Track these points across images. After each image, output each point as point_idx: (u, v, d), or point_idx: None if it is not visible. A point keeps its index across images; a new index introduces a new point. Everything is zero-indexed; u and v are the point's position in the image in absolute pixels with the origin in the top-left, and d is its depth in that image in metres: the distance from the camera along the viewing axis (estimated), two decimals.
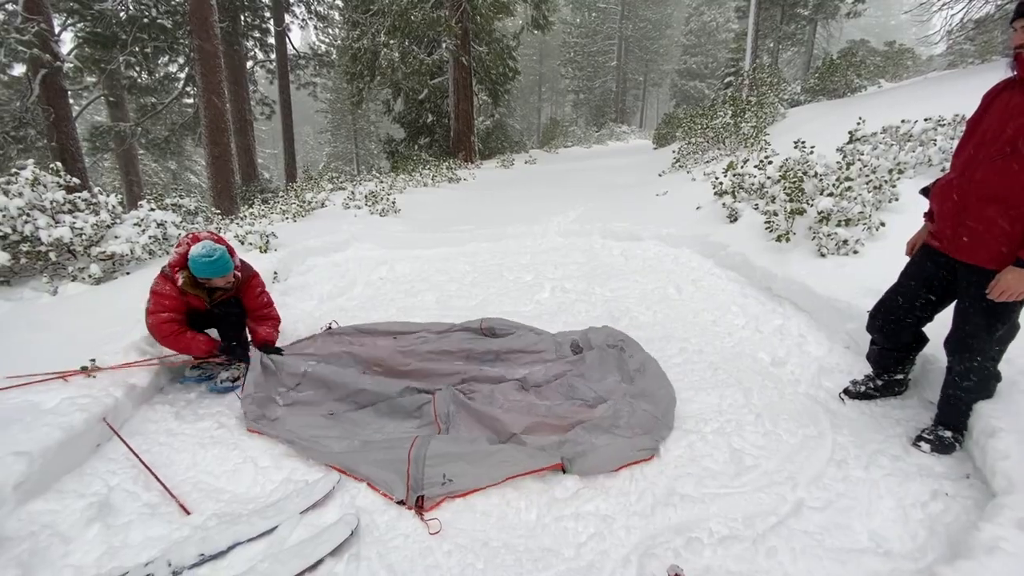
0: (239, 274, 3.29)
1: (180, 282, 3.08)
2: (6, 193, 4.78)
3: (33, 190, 4.96)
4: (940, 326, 2.35)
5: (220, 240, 3.22)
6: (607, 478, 2.27)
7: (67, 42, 15.99)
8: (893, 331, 2.49)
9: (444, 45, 15.79)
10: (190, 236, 3.18)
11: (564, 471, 2.27)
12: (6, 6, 12.20)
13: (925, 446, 2.28)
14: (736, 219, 5.65)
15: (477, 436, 2.53)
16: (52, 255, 4.85)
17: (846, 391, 2.76)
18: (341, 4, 19.21)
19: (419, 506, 2.12)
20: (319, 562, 1.87)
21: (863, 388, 2.71)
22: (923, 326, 2.46)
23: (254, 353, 3.19)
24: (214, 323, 3.39)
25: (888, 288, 2.52)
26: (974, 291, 2.06)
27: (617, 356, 3.14)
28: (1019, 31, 1.88)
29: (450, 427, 2.64)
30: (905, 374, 2.65)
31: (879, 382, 2.68)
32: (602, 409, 2.67)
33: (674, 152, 11.06)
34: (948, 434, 2.27)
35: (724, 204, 5.92)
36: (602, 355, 3.17)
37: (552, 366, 3.18)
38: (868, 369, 2.81)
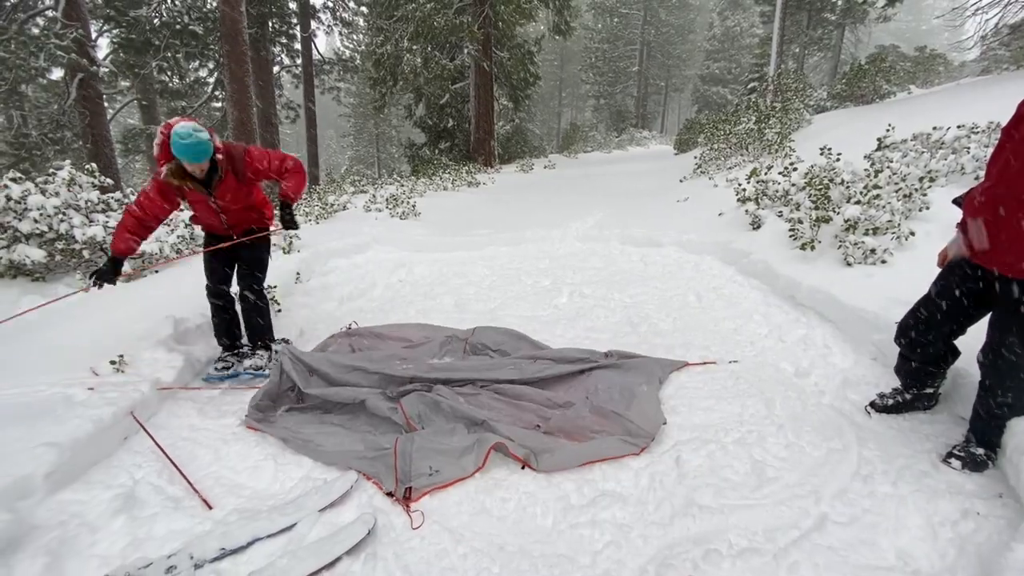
0: (221, 156, 3.09)
1: (163, 174, 2.99)
2: (43, 192, 4.96)
3: (69, 190, 5.14)
4: (973, 339, 2.28)
5: (188, 119, 3.04)
6: (625, 486, 2.24)
7: (103, 47, 16.60)
8: (923, 344, 2.41)
9: (466, 51, 15.92)
10: (165, 125, 3.01)
11: (524, 467, 2.35)
12: (46, 12, 12.68)
13: (956, 463, 2.20)
14: (759, 226, 5.56)
15: (455, 425, 2.63)
16: (85, 253, 5.02)
17: (873, 404, 2.68)
18: (366, 10, 19.54)
19: (407, 497, 2.18)
20: (336, 560, 1.88)
21: (891, 402, 2.63)
22: (955, 339, 2.39)
23: (275, 364, 3.22)
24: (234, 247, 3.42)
25: (918, 300, 2.45)
26: (1010, 302, 1.99)
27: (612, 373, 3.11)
28: None
29: (425, 424, 2.69)
30: (935, 388, 2.57)
31: (908, 396, 2.60)
32: (574, 410, 2.75)
33: (696, 158, 10.95)
34: (981, 451, 2.19)
35: (747, 211, 5.83)
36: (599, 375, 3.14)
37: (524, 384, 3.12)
38: (895, 381, 2.73)
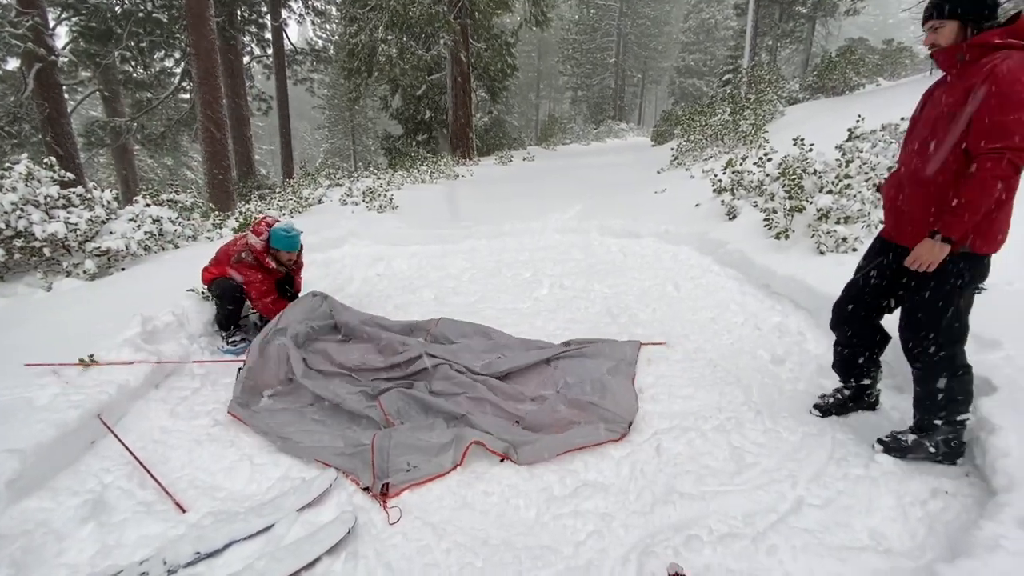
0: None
1: (273, 264, 3.76)
2: None
3: (27, 185, 4.92)
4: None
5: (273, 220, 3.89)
6: (607, 476, 2.26)
7: (62, 36, 15.86)
8: (853, 320, 2.42)
9: (442, 41, 15.69)
10: (263, 223, 3.78)
11: (504, 460, 2.36)
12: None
13: (878, 447, 2.23)
14: (735, 216, 5.64)
15: (433, 420, 2.64)
16: (46, 251, 4.82)
17: (816, 406, 2.60)
18: None
19: (384, 493, 2.17)
20: (316, 560, 1.85)
21: (831, 400, 2.58)
22: (881, 318, 2.40)
23: (255, 342, 3.25)
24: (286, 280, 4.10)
25: (848, 280, 2.49)
26: (911, 273, 2.07)
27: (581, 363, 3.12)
28: (929, 33, 2.00)
29: (404, 420, 2.69)
30: (872, 379, 2.52)
31: (847, 392, 2.58)
32: (548, 404, 2.77)
33: (673, 149, 11.04)
34: (911, 437, 2.18)
35: (723, 201, 5.91)
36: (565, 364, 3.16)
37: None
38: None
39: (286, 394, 3.03)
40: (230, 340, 3.78)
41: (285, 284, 4.07)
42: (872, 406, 2.60)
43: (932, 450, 2.16)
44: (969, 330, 2.09)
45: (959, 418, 2.12)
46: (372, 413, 2.73)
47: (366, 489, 2.21)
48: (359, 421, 2.75)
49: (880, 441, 2.27)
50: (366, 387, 3.05)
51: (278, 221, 3.82)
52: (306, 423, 2.74)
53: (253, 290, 3.70)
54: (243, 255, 3.67)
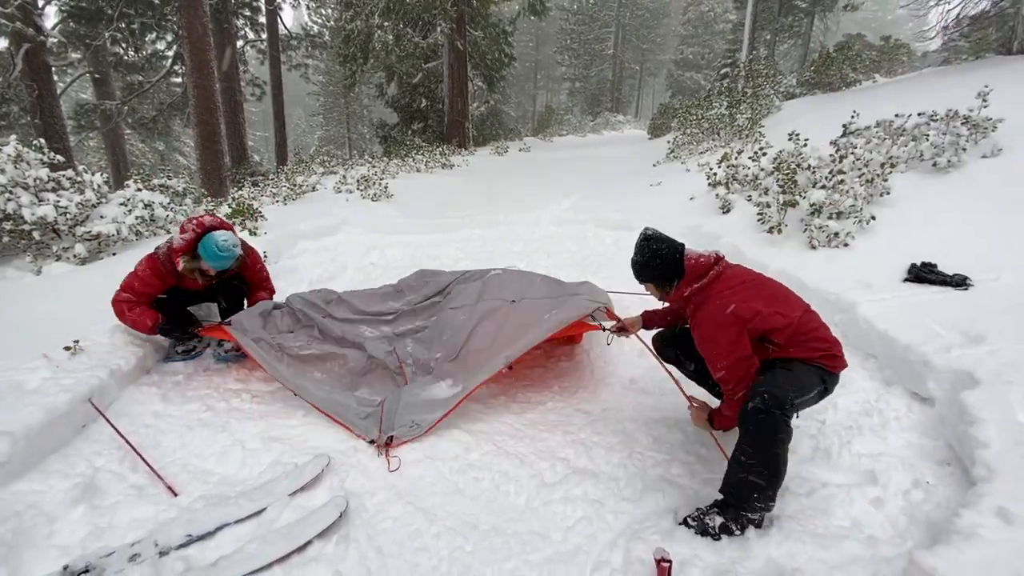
0: (241, 253, 3.29)
1: (181, 266, 3.09)
2: None
3: (16, 167, 4.84)
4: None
5: (224, 224, 3.23)
6: (598, 464, 2.28)
7: (51, 16, 15.50)
8: None
9: (439, 29, 15.52)
10: (195, 222, 3.12)
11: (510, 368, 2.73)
12: None
13: (691, 521, 1.95)
14: (729, 210, 5.66)
15: (440, 382, 2.84)
16: (36, 234, 4.76)
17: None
18: None
19: (388, 444, 2.40)
20: (307, 544, 1.87)
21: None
22: None
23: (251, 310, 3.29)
24: (212, 297, 3.44)
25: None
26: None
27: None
28: (648, 288, 2.33)
29: (412, 379, 3.00)
30: None
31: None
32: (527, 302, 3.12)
33: (669, 142, 11.05)
34: (717, 520, 1.91)
35: (717, 195, 5.92)
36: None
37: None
38: (855, 359, 2.85)
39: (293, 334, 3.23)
40: (179, 349, 3.33)
41: (210, 295, 3.42)
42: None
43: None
44: None
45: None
46: (389, 361, 3.10)
47: (372, 441, 2.43)
48: (370, 382, 2.98)
49: (690, 517, 1.98)
50: (386, 332, 3.42)
51: (221, 226, 3.19)
52: (312, 382, 2.92)
53: (123, 284, 3.13)
54: (160, 246, 3.18)
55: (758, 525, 1.93)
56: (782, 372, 1.98)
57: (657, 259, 2.19)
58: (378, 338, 3.38)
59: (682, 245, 2.24)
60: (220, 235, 3.10)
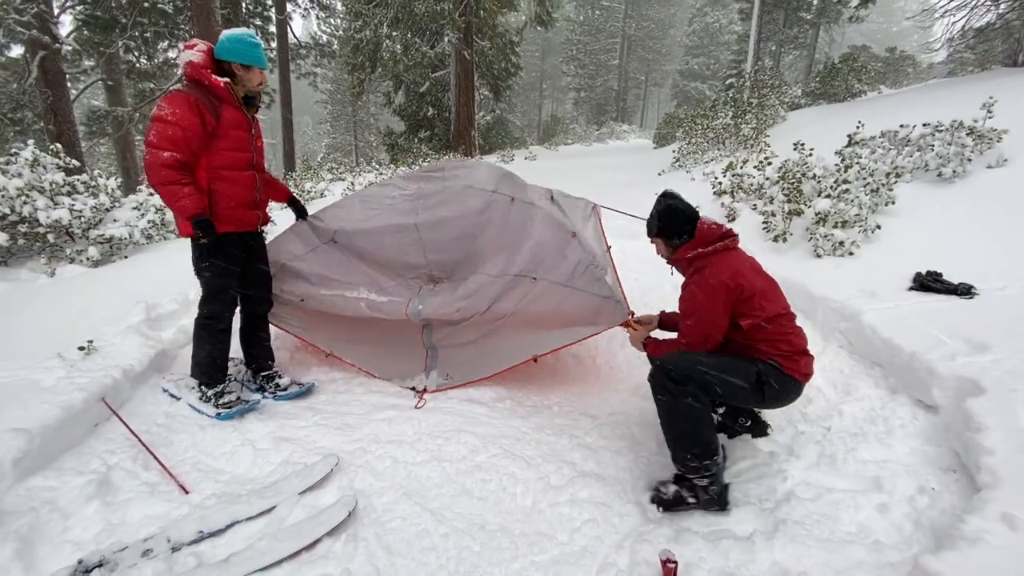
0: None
1: (222, 86, 2.45)
2: (4, 173, 4.76)
3: (32, 171, 4.94)
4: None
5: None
6: (605, 467, 2.30)
7: (66, 24, 15.84)
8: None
9: (447, 38, 15.70)
10: (192, 41, 2.54)
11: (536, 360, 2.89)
12: None
13: (654, 496, 2.12)
14: (734, 219, 5.69)
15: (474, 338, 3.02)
16: (50, 236, 4.85)
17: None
18: None
19: (423, 391, 2.91)
20: (316, 542, 1.89)
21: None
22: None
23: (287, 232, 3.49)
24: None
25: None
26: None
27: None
28: (657, 244, 2.41)
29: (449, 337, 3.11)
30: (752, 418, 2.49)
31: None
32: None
33: (674, 152, 11.09)
34: (671, 488, 2.07)
35: (723, 204, 5.95)
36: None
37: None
38: (861, 369, 2.87)
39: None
40: (220, 401, 2.70)
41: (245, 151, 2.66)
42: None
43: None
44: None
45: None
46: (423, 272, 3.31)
47: (412, 388, 2.97)
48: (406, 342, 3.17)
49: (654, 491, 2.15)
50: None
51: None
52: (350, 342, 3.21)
53: (156, 138, 2.35)
54: (172, 87, 2.46)
55: (717, 498, 2.03)
56: (711, 353, 2.13)
57: (672, 212, 2.30)
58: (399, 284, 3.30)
59: (698, 211, 2.34)
60: (234, 30, 2.55)
